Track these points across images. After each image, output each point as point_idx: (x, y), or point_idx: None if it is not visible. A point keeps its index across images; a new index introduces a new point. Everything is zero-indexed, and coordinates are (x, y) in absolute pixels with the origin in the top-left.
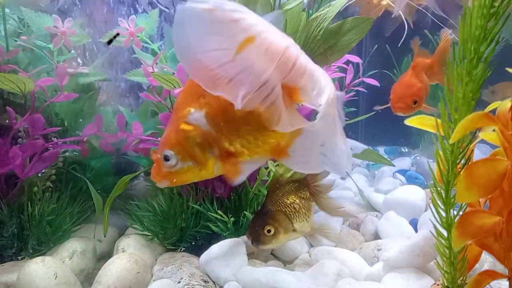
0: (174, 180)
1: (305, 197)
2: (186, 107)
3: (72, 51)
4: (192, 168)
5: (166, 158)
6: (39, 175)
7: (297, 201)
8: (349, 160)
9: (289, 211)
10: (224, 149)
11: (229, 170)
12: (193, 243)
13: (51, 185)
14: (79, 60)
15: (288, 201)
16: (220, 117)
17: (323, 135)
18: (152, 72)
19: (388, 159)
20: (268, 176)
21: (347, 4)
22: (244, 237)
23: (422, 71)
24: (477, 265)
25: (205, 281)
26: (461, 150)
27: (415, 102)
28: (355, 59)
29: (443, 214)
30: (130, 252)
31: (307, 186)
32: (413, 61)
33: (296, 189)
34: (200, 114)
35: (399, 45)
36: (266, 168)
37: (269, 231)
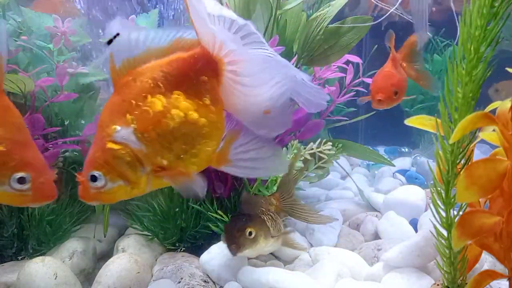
0: (104, 199)
1: (276, 209)
2: (111, 124)
3: (73, 52)
4: (123, 187)
5: (93, 179)
6: None
7: (272, 210)
8: (320, 91)
9: (267, 218)
10: (156, 165)
11: (164, 184)
12: (193, 243)
13: None
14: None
15: (264, 208)
16: (151, 131)
17: (268, 104)
18: None
19: (388, 159)
20: (268, 176)
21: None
22: None
23: (399, 64)
24: (477, 265)
25: (205, 281)
26: (461, 150)
27: (396, 93)
28: (355, 59)
29: (443, 214)
30: (130, 252)
31: (277, 200)
32: (391, 54)
33: (269, 202)
34: (127, 131)
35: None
36: None
37: (250, 233)
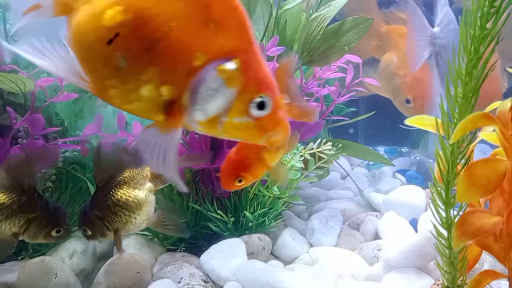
0: None
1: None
2: None
3: None
4: None
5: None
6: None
7: (129, 193)
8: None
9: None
10: None
11: None
12: (193, 243)
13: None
14: None
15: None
16: None
17: None
18: None
19: (388, 159)
20: (268, 177)
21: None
22: (245, 237)
23: None
24: (477, 265)
25: (205, 281)
26: (461, 150)
27: None
28: (355, 59)
29: (443, 214)
30: (130, 252)
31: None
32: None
33: (132, 180)
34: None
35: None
36: None
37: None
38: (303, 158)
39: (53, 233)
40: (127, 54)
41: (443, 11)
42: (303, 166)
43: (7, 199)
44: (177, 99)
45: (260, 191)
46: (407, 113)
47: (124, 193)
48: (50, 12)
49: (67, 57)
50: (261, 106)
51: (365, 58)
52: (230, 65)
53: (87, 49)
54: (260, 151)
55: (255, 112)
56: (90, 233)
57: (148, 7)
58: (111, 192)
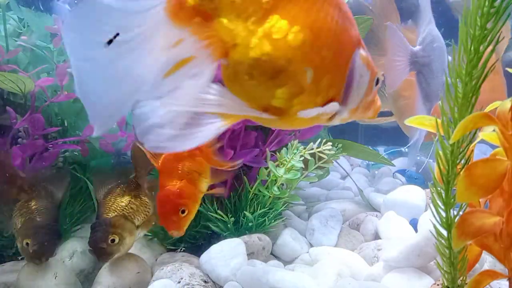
0: None
1: (140, 194)
2: None
3: None
4: None
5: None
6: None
7: (133, 200)
8: None
9: (127, 212)
10: None
11: None
12: (193, 243)
13: None
14: None
15: (124, 203)
16: None
17: None
18: None
19: (388, 159)
20: (268, 177)
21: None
22: (245, 237)
23: None
24: (477, 265)
25: (205, 281)
26: (461, 150)
27: None
28: None
29: (443, 214)
30: (130, 252)
31: (140, 183)
32: None
33: (129, 189)
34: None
35: None
36: (266, 168)
37: (113, 240)
38: (303, 158)
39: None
40: (313, 68)
41: (426, 29)
42: (303, 166)
43: None
44: (335, 97)
45: (260, 191)
46: (410, 135)
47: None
48: (207, 60)
49: (226, 96)
50: (377, 82)
51: None
52: (363, 51)
53: (272, 75)
54: (187, 175)
55: (375, 88)
56: (117, 239)
57: (314, 19)
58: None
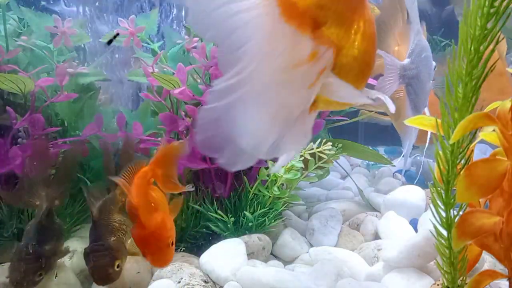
0: None
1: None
2: None
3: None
4: None
5: None
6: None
7: (122, 219)
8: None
9: (121, 234)
10: None
11: None
12: (193, 243)
13: None
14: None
15: (117, 224)
16: None
17: None
18: (152, 73)
19: (388, 159)
20: (268, 177)
21: None
22: (245, 237)
23: None
24: (477, 265)
25: (205, 281)
26: (461, 150)
27: None
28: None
29: (443, 214)
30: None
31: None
32: None
33: (117, 206)
34: None
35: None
36: (266, 168)
37: (118, 265)
38: (303, 158)
39: None
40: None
41: (415, 40)
42: (303, 166)
43: None
44: None
45: (260, 191)
46: (403, 135)
47: None
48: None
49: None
50: None
51: (373, 75)
52: None
53: (367, 66)
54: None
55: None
56: (120, 264)
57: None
58: None
